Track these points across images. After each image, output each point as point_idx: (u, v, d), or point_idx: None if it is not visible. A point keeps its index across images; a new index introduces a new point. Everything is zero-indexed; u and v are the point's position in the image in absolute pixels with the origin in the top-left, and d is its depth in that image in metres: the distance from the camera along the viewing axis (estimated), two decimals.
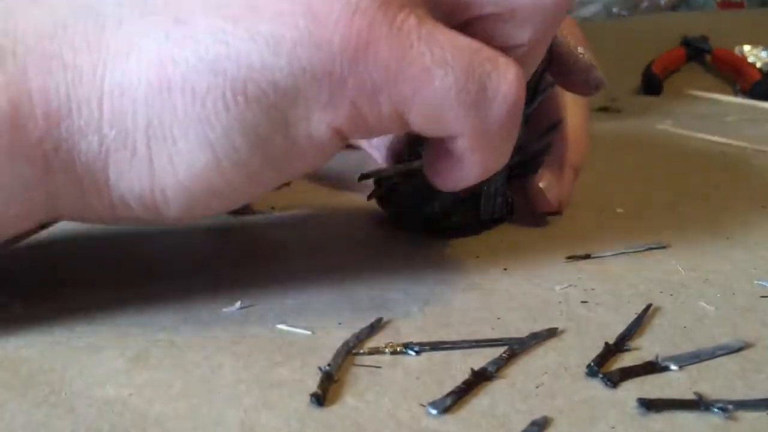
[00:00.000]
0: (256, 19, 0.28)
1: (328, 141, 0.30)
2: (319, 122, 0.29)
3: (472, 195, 0.39)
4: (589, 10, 1.03)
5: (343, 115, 0.29)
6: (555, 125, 0.42)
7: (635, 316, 0.32)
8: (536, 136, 0.41)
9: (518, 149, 0.41)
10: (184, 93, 0.28)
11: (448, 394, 0.27)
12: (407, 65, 0.28)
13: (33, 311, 0.32)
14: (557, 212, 0.42)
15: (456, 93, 0.29)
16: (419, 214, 0.40)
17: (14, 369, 0.28)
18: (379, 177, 0.40)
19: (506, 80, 0.30)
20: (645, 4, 1.06)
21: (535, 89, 0.41)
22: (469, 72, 0.29)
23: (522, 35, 0.32)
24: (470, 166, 0.31)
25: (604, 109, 0.65)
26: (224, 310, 0.32)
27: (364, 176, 0.40)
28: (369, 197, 0.41)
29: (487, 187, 0.40)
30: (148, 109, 0.28)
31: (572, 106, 0.43)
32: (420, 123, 0.30)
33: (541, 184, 0.41)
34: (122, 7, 0.28)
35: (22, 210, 0.29)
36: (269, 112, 0.28)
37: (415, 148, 0.39)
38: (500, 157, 0.32)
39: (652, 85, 0.72)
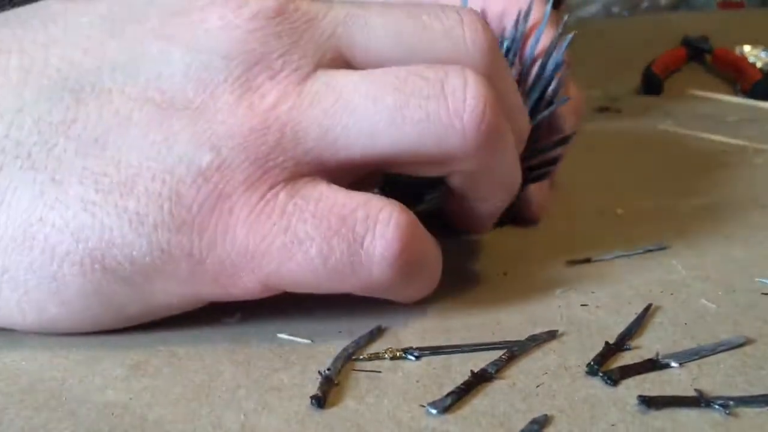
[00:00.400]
0: (125, 195, 0.28)
1: (187, 306, 0.31)
2: (177, 294, 0.30)
3: None
4: (589, 10, 1.03)
5: (205, 290, 0.30)
6: (568, 137, 0.42)
7: (636, 317, 0.32)
8: (551, 143, 0.41)
9: (536, 153, 0.41)
10: (43, 252, 0.28)
11: (448, 394, 0.27)
12: (267, 244, 0.28)
13: None
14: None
15: (322, 264, 0.29)
16: (419, 204, 0.39)
17: (13, 379, 0.28)
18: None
19: (382, 242, 0.29)
20: (645, 4, 1.06)
21: (543, 91, 0.41)
22: (335, 242, 0.29)
23: (458, 167, 0.32)
24: None
25: (604, 109, 0.65)
26: (224, 320, 0.32)
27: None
28: None
29: None
30: (5, 258, 0.28)
31: None
32: (298, 290, 0.30)
33: (532, 198, 0.41)
34: (3, 155, 0.29)
35: None
36: (125, 283, 0.29)
37: None
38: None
39: (652, 85, 0.72)
